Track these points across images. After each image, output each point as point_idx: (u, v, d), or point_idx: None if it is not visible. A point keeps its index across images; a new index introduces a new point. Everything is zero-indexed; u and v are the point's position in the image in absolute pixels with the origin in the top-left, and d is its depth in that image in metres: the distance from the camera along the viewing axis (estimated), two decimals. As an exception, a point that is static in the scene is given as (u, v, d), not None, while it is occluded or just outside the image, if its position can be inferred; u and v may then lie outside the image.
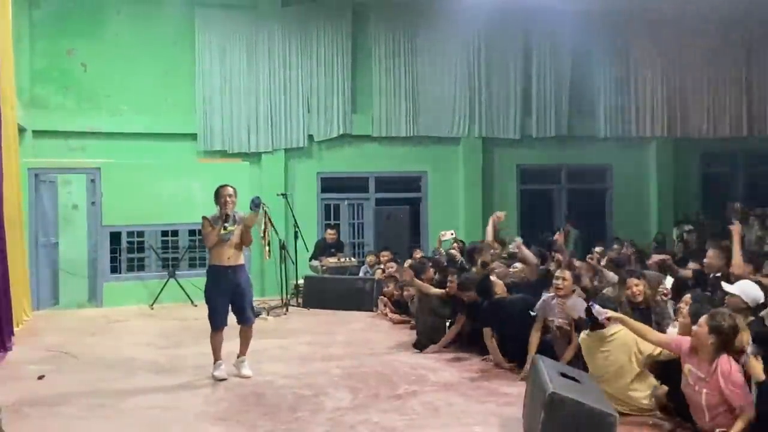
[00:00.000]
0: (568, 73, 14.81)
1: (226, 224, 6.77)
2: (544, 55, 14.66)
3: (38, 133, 12.07)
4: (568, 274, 6.94)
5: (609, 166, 15.51)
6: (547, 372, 4.81)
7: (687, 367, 4.83)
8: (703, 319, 4.75)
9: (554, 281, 6.92)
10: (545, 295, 7.10)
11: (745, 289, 5.64)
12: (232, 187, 6.97)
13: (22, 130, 11.14)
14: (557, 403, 4.44)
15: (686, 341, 4.93)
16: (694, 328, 4.82)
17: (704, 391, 4.65)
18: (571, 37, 14.41)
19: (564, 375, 4.92)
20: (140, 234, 12.27)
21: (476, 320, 7.72)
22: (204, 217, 6.91)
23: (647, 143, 15.46)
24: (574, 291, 6.92)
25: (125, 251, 12.13)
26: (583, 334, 5.74)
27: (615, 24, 14.68)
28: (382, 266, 11.55)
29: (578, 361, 6.01)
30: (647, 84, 15.20)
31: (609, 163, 15.44)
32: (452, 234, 11.41)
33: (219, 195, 6.88)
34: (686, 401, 4.90)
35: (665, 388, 5.30)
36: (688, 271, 8.32)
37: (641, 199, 15.47)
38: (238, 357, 7.10)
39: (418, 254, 11.44)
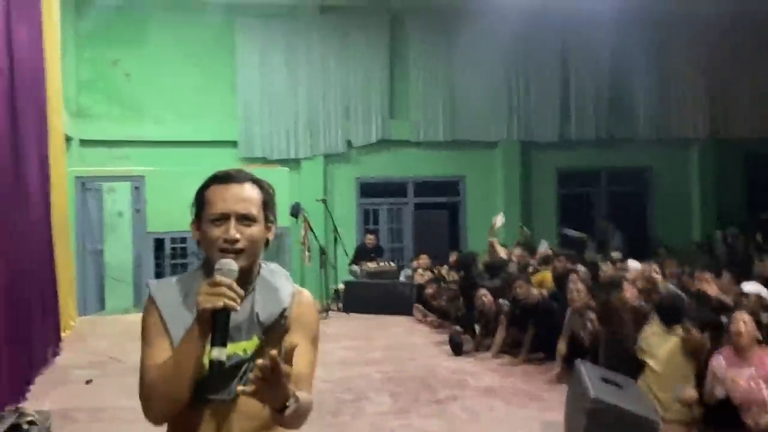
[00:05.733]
0: (607, 75, 14.66)
1: (215, 341, 1.75)
2: (582, 57, 14.54)
3: (84, 142, 12.33)
4: (581, 285, 6.88)
5: (649, 169, 15.30)
6: (588, 377, 4.79)
7: (730, 376, 4.88)
8: (747, 317, 4.91)
9: (568, 294, 6.87)
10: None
11: (760, 289, 5.81)
12: (252, 181, 2.04)
13: (68, 139, 11.39)
14: (599, 409, 4.43)
15: (725, 354, 5.02)
16: (741, 328, 4.89)
17: (764, 386, 4.76)
18: (609, 38, 14.27)
19: (606, 380, 4.89)
20: (183, 240, 12.42)
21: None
22: (145, 311, 1.99)
23: (689, 145, 15.22)
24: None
25: (169, 257, 12.28)
26: (652, 329, 5.64)
27: (654, 24, 14.49)
28: (419, 271, 11.59)
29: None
30: (688, 85, 14.97)
31: (649, 165, 15.23)
32: (502, 218, 10.90)
33: (205, 215, 1.96)
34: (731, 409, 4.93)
35: (693, 391, 5.23)
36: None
37: (683, 202, 15.21)
38: None
39: (454, 257, 11.42)
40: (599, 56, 14.53)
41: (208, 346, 1.77)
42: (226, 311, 1.76)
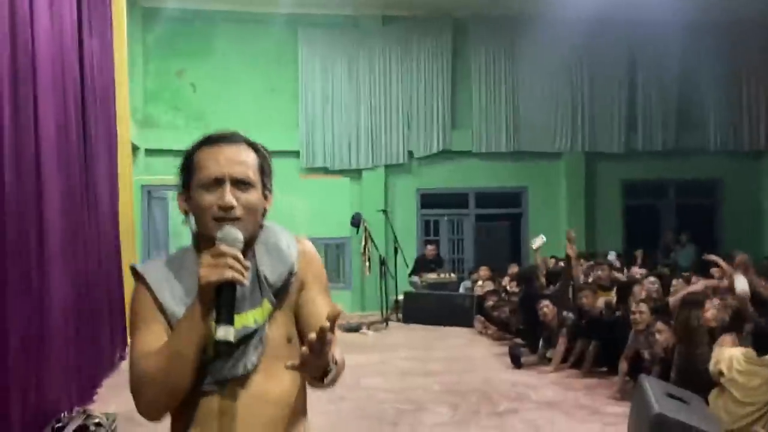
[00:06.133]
0: (675, 84, 14.31)
1: (221, 320, 1.57)
2: (649, 65, 14.23)
3: (150, 152, 12.58)
4: (644, 306, 6.73)
5: (719, 181, 14.89)
6: (652, 392, 4.66)
7: None
8: None
9: (631, 315, 6.74)
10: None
11: None
12: (247, 143, 1.82)
13: (135, 149, 11.65)
14: (664, 424, 4.30)
15: None
16: None
17: None
18: (677, 45, 13.92)
19: (671, 395, 4.76)
20: (245, 249, 12.58)
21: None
22: (135, 294, 1.75)
23: (760, 156, 14.78)
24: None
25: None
26: (741, 356, 5.29)
27: (725, 31, 14.04)
28: (479, 283, 11.52)
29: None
30: (760, 94, 14.53)
31: (719, 177, 14.82)
32: (543, 239, 10.40)
33: (195, 181, 1.73)
34: None
35: None
36: None
37: (754, 215, 14.77)
38: None
39: (514, 269, 11.33)
40: (667, 64, 14.19)
41: (212, 325, 1.58)
42: (232, 285, 1.57)
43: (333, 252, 13.49)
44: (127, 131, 9.79)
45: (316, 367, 1.54)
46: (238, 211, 1.69)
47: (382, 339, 10.26)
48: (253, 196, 1.74)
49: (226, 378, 1.66)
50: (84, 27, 7.15)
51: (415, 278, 12.48)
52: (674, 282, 8.32)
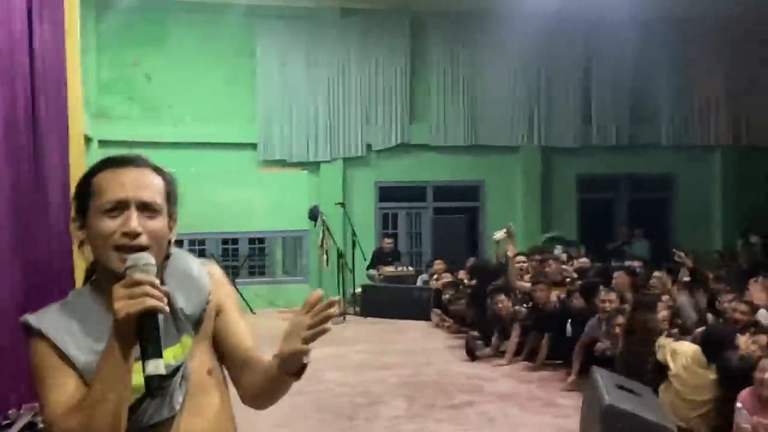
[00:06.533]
0: (629, 81, 14.51)
1: (147, 354, 1.39)
2: (604, 62, 14.40)
3: (104, 143, 12.33)
4: (613, 295, 6.84)
5: (671, 175, 15.13)
6: (603, 384, 4.74)
7: (756, 420, 4.56)
8: None
9: (600, 303, 6.84)
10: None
11: None
12: (152, 168, 1.66)
13: (88, 140, 11.44)
14: (614, 415, 4.38)
15: (746, 397, 4.69)
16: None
17: None
18: (631, 44, 14.11)
19: (621, 387, 4.85)
20: (201, 242, 12.49)
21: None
22: (32, 349, 1.54)
23: (711, 151, 15.05)
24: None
25: (187, 259, 12.32)
26: (693, 351, 5.32)
27: (677, 29, 14.22)
28: (435, 276, 11.55)
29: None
30: (711, 91, 14.77)
31: (672, 172, 15.05)
32: (506, 232, 10.31)
33: (94, 206, 1.58)
34: None
35: None
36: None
37: (705, 209, 15.04)
38: None
39: (471, 263, 11.37)
40: (621, 62, 14.39)
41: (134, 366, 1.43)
42: (153, 315, 1.39)
43: (290, 245, 13.44)
44: (80, 122, 9.52)
45: (293, 365, 1.54)
46: (144, 239, 1.52)
47: (340, 332, 10.23)
48: (160, 223, 1.58)
49: (153, 423, 1.53)
50: (35, 15, 6.99)
51: (373, 271, 12.50)
52: (616, 274, 8.31)
